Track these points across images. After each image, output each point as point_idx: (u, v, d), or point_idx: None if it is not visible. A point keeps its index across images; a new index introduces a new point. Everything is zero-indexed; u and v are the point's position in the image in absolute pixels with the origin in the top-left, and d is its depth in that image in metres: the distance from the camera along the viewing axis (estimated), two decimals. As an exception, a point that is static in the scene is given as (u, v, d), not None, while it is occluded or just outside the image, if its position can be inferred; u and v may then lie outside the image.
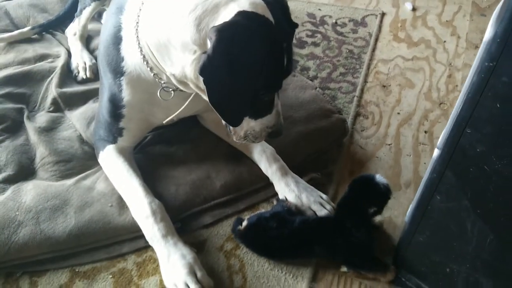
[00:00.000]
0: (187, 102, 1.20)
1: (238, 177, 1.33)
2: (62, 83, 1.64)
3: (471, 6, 2.20)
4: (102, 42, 1.23)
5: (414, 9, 2.20)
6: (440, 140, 0.86)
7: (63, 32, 1.91)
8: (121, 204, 1.23)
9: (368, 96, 1.71)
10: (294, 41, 1.95)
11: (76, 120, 1.49)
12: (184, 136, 1.45)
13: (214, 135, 1.45)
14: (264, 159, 1.31)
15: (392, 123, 1.60)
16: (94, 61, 1.73)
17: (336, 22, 2.10)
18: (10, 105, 1.52)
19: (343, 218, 1.13)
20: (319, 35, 2.02)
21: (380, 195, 1.10)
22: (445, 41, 1.98)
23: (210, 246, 1.21)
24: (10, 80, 1.61)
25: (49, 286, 1.12)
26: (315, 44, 1.97)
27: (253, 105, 1.06)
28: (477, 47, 1.93)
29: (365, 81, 1.78)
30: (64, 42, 1.87)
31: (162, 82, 1.15)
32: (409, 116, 1.63)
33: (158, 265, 1.13)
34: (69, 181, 1.30)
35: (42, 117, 1.51)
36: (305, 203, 1.23)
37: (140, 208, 1.16)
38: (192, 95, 1.18)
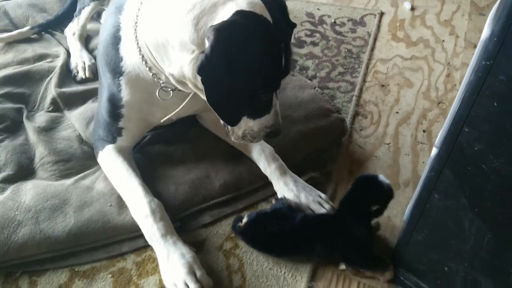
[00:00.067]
0: (185, 102, 1.20)
1: (237, 176, 1.33)
2: (61, 83, 1.64)
3: (470, 6, 2.20)
4: (101, 42, 1.23)
5: (412, 9, 2.21)
6: (438, 138, 0.86)
7: (62, 32, 1.91)
8: (121, 204, 1.23)
9: (367, 96, 1.72)
10: (293, 40, 1.96)
11: (75, 120, 1.50)
12: (183, 136, 1.45)
13: (213, 134, 1.45)
14: (263, 158, 1.31)
15: (391, 123, 1.60)
16: (93, 61, 1.73)
17: (335, 22, 2.10)
18: (9, 105, 1.52)
19: (345, 215, 1.14)
20: (318, 35, 2.02)
21: (383, 195, 1.11)
22: (443, 41, 1.99)
23: (209, 246, 1.21)
24: (9, 80, 1.61)
25: (48, 286, 1.12)
26: (314, 44, 1.97)
27: (251, 105, 1.06)
28: (475, 46, 1.93)
29: (364, 81, 1.78)
30: (63, 42, 1.87)
31: (161, 82, 1.15)
32: (407, 116, 1.63)
33: (157, 265, 1.13)
34: (69, 181, 1.30)
35: (41, 117, 1.51)
36: (304, 202, 1.24)
37: (140, 207, 1.16)
38: (191, 94, 1.19)
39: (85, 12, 1.77)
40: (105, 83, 1.23)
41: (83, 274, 1.15)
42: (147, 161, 1.37)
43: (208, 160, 1.37)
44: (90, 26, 1.88)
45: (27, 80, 1.64)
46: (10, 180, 1.30)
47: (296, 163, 1.37)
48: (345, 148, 1.50)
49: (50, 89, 1.60)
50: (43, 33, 1.92)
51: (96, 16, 1.98)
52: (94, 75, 1.68)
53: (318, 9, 2.19)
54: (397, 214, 1.28)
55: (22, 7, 2.01)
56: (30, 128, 1.45)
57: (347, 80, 1.76)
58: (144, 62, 1.12)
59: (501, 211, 0.80)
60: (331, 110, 1.55)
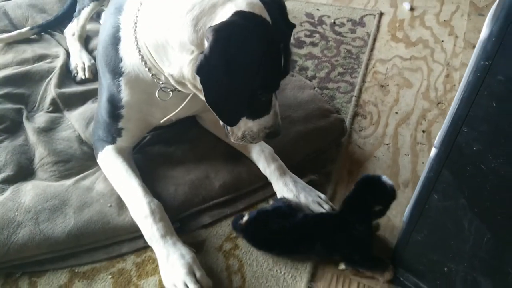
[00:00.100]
0: (185, 102, 1.20)
1: (237, 177, 1.33)
2: (61, 83, 1.64)
3: (469, 6, 2.20)
4: (100, 42, 1.23)
5: (412, 9, 2.21)
6: (437, 139, 0.86)
7: (62, 32, 1.92)
8: (120, 204, 1.23)
9: (366, 96, 1.72)
10: (293, 41, 1.96)
11: (75, 120, 1.50)
12: (182, 136, 1.45)
13: (212, 135, 1.45)
14: (263, 159, 1.31)
15: (390, 123, 1.61)
16: (93, 61, 1.73)
17: (334, 22, 2.11)
18: (9, 106, 1.52)
19: (347, 215, 1.14)
20: (317, 35, 2.02)
21: (386, 196, 1.11)
22: (443, 41, 1.99)
23: (209, 246, 1.21)
24: (9, 80, 1.61)
25: (48, 287, 1.12)
26: (314, 44, 1.97)
27: (250, 105, 1.06)
28: (474, 46, 1.93)
29: (363, 81, 1.78)
30: (63, 42, 1.87)
31: (161, 82, 1.15)
32: (407, 116, 1.63)
33: (157, 265, 1.13)
34: (68, 182, 1.30)
35: (41, 118, 1.51)
36: (303, 203, 1.24)
37: (139, 208, 1.16)
38: (190, 95, 1.19)
39: (85, 12, 1.78)
40: (104, 83, 1.23)
41: (83, 275, 1.15)
42: (147, 161, 1.37)
43: (208, 161, 1.37)
44: (90, 26, 1.88)
45: (27, 81, 1.64)
46: (10, 180, 1.30)
47: (295, 164, 1.37)
48: (345, 148, 1.50)
49: (50, 90, 1.60)
50: (42, 33, 1.92)
51: (96, 16, 1.98)
52: (94, 76, 1.68)
53: (318, 9, 2.19)
54: (396, 215, 1.28)
55: (22, 8, 2.02)
56: (29, 128, 1.45)
57: (347, 81, 1.76)
58: (143, 63, 1.12)
59: (500, 211, 0.80)
60: (330, 110, 1.55)
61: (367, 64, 1.86)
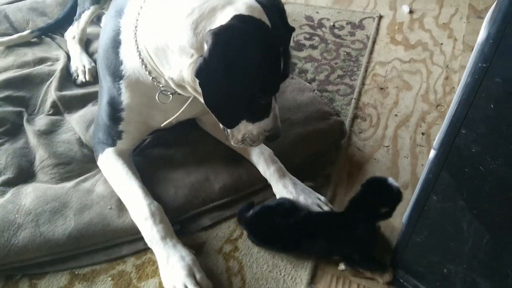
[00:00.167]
0: (185, 106, 1.20)
1: (237, 179, 1.34)
2: (61, 86, 1.65)
3: (468, 9, 2.21)
4: (101, 45, 1.24)
5: (411, 12, 2.22)
6: (436, 141, 0.87)
7: (62, 35, 1.92)
8: (120, 207, 1.23)
9: (366, 98, 1.72)
10: (292, 43, 1.97)
11: (75, 123, 1.50)
12: (182, 139, 1.46)
13: (212, 137, 1.45)
14: (262, 161, 1.32)
15: (390, 125, 1.61)
16: (93, 64, 1.74)
17: (334, 25, 2.11)
18: (10, 108, 1.53)
19: (351, 215, 1.15)
20: (317, 38, 2.03)
21: (392, 198, 1.12)
22: (442, 44, 2.00)
23: (209, 248, 1.21)
24: (9, 83, 1.62)
25: (48, 289, 1.13)
26: (313, 47, 1.98)
27: (250, 109, 1.07)
28: (473, 49, 1.94)
29: (363, 84, 1.79)
30: (64, 45, 1.88)
31: (161, 85, 1.16)
32: (406, 118, 1.64)
33: (157, 268, 1.13)
34: (69, 184, 1.30)
35: (42, 120, 1.52)
36: (303, 204, 1.24)
37: (139, 210, 1.16)
38: (190, 98, 1.19)
39: (85, 15, 1.78)
40: (105, 86, 1.24)
41: (83, 277, 1.15)
42: (147, 164, 1.37)
43: (208, 163, 1.37)
44: (90, 29, 1.89)
45: (27, 84, 1.65)
46: (10, 183, 1.30)
47: (295, 166, 1.37)
48: (344, 150, 1.51)
49: (50, 93, 1.61)
50: (43, 36, 1.92)
51: (96, 19, 1.99)
52: (94, 79, 1.68)
53: (317, 12, 2.20)
54: (396, 217, 1.27)
55: (23, 11, 2.02)
56: (30, 131, 1.46)
57: (346, 83, 1.77)
58: (144, 66, 1.12)
59: (499, 213, 0.80)
60: (330, 113, 1.55)
61: (367, 67, 1.87)
